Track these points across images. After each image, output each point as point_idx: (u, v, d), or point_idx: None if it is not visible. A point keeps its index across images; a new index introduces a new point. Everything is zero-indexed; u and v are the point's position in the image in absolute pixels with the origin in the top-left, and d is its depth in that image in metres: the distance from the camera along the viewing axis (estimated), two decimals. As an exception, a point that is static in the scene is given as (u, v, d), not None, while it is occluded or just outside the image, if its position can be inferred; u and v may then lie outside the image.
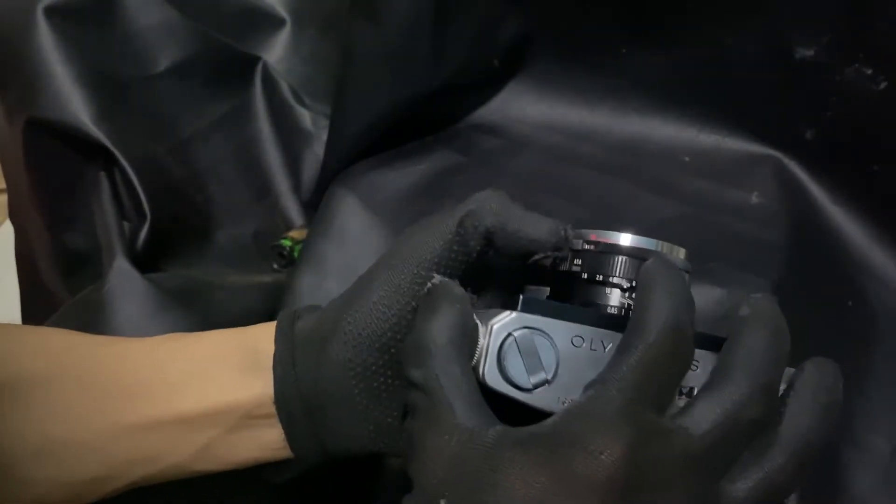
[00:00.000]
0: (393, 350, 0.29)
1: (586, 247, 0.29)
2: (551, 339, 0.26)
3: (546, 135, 0.52)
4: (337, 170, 0.51)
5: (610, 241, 0.28)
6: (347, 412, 0.30)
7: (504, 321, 0.26)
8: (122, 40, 0.53)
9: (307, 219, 0.58)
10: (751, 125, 0.50)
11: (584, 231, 0.29)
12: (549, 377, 0.25)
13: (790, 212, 0.47)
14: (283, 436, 0.31)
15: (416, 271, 0.28)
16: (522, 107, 0.53)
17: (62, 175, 0.51)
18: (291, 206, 0.59)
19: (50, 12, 0.49)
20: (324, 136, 0.55)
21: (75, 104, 0.49)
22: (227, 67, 0.58)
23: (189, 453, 0.31)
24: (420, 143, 0.52)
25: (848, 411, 0.43)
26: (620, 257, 0.28)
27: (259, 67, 0.59)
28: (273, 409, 0.30)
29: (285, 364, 0.30)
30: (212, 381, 0.31)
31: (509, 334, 0.26)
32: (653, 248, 0.28)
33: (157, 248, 0.50)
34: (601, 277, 0.28)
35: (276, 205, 0.59)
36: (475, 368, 0.26)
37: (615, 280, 0.28)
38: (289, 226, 0.59)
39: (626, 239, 0.28)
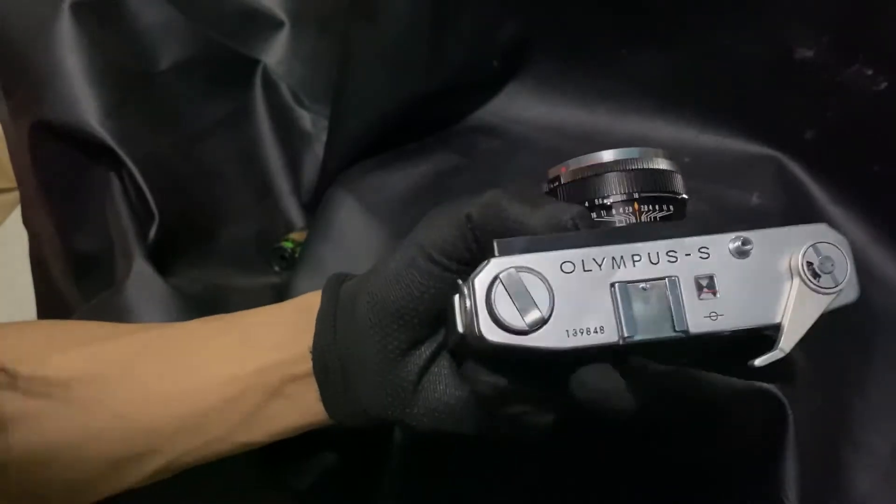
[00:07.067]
0: (405, 317, 0.30)
1: (564, 181, 0.29)
2: (538, 273, 0.24)
3: (546, 136, 0.52)
4: (336, 171, 0.51)
5: (585, 166, 0.29)
6: (367, 371, 0.31)
7: (484, 270, 0.24)
8: (127, 38, 0.53)
9: (307, 220, 0.58)
10: (751, 125, 0.50)
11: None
12: (545, 314, 0.23)
13: (790, 212, 0.47)
14: (319, 396, 0.32)
15: (427, 252, 0.30)
16: (522, 108, 0.53)
17: (70, 177, 0.51)
18: (292, 207, 0.59)
19: (76, 7, 0.49)
20: (323, 137, 0.55)
21: (82, 103, 0.49)
22: (227, 69, 0.58)
23: (233, 422, 0.32)
24: (419, 145, 0.52)
25: (848, 411, 0.43)
26: (594, 179, 0.28)
27: (259, 69, 0.59)
28: (311, 366, 0.32)
29: (326, 319, 0.32)
30: (262, 344, 0.33)
31: (494, 280, 0.24)
32: (620, 156, 0.28)
33: (166, 248, 0.50)
34: (587, 203, 0.28)
35: (277, 206, 0.59)
36: (468, 334, 0.24)
37: (598, 202, 0.28)
38: (289, 227, 0.59)
39: (595, 158, 0.29)
